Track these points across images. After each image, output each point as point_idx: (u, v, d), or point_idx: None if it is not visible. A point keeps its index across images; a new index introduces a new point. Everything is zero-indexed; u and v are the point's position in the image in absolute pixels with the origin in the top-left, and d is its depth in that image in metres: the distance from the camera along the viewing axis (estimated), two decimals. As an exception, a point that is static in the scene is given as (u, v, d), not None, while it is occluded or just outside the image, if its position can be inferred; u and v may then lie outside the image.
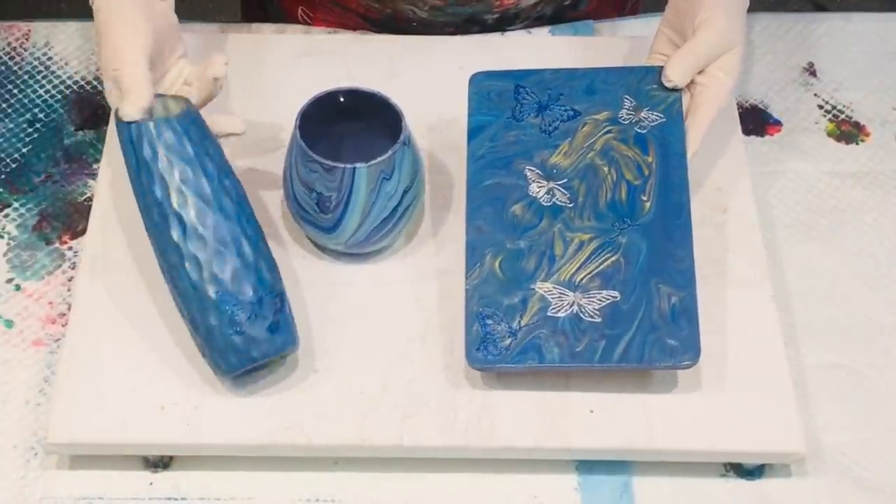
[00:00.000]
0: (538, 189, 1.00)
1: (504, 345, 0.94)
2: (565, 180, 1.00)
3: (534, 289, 0.96)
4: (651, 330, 0.93)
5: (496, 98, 1.05)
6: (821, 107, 1.18)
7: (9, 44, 1.20)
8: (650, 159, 1.01)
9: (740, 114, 1.14)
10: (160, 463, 0.96)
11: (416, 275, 1.03)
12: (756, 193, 1.08)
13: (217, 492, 0.95)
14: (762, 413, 0.95)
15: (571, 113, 1.04)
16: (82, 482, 0.95)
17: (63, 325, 1.02)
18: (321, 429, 0.94)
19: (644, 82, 1.04)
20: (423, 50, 1.17)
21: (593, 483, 0.96)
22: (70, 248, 1.07)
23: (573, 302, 0.95)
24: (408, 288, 1.02)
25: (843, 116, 1.18)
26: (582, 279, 0.96)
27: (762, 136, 1.16)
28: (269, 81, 1.14)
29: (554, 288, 0.95)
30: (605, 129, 1.03)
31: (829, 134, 1.16)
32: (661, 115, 1.03)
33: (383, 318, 1.00)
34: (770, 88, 1.19)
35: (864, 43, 1.23)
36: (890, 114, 1.18)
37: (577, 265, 0.96)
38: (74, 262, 1.06)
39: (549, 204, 0.99)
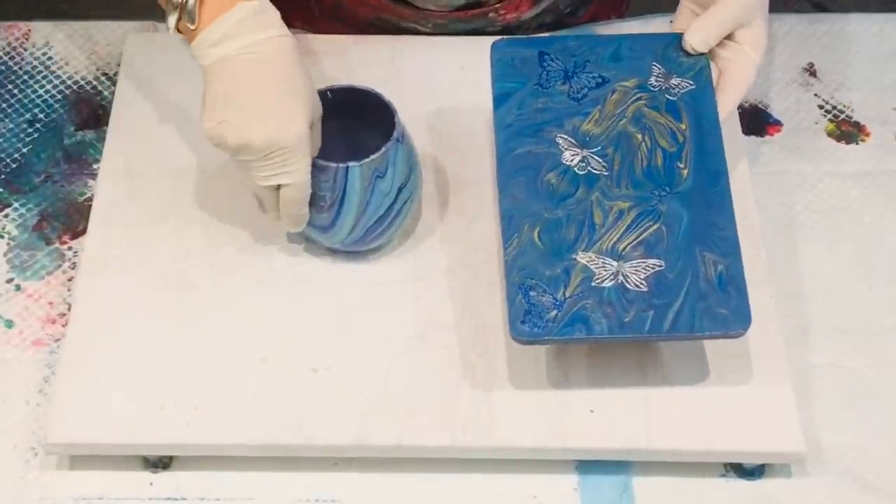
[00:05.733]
0: (572, 157, 0.98)
1: (549, 316, 0.91)
2: (599, 148, 0.99)
3: (575, 259, 0.94)
4: (699, 299, 0.92)
5: (520, 65, 1.03)
6: (821, 107, 1.18)
7: (9, 44, 1.20)
8: (683, 126, 1.00)
9: (740, 114, 1.14)
10: (160, 463, 0.96)
11: (415, 273, 1.02)
12: (756, 193, 1.08)
13: (217, 492, 0.95)
14: (762, 413, 0.95)
15: (599, 80, 1.02)
16: (82, 482, 0.95)
17: (63, 325, 1.02)
18: (321, 429, 0.94)
19: (671, 49, 1.03)
20: (423, 50, 1.17)
21: (593, 483, 0.96)
22: (70, 248, 1.07)
23: (617, 271, 0.93)
24: (407, 287, 1.02)
25: (843, 116, 1.18)
26: (624, 248, 0.94)
27: (762, 136, 1.16)
28: (269, 81, 1.14)
29: (596, 257, 0.94)
30: (635, 97, 1.01)
31: (829, 134, 1.17)
32: (691, 82, 1.02)
33: (383, 318, 1.00)
34: (770, 88, 1.19)
35: (863, 43, 1.23)
36: (890, 114, 1.18)
37: (619, 234, 0.95)
38: (74, 262, 1.06)
39: (583, 172, 0.98)
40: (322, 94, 0.99)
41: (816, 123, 1.17)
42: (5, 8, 1.37)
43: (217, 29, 0.93)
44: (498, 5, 1.16)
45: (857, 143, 1.16)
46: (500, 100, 1.02)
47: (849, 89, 1.19)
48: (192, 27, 0.93)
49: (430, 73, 1.15)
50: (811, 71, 1.21)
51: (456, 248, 1.03)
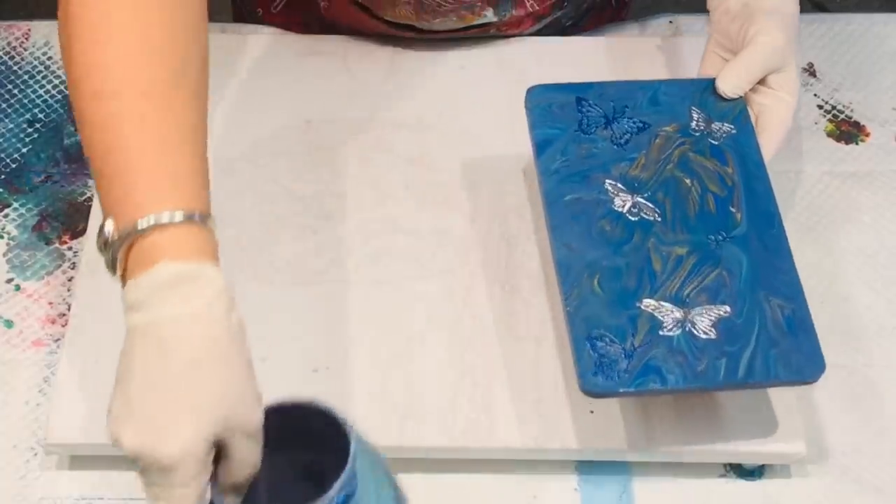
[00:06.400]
0: (622, 203, 0.96)
1: (621, 367, 0.88)
2: (648, 193, 0.97)
3: (640, 307, 0.91)
4: (771, 345, 0.90)
5: (558, 111, 1.01)
6: (820, 107, 1.18)
7: (9, 44, 1.20)
8: (730, 170, 0.98)
9: (740, 114, 1.14)
10: (160, 463, 0.96)
11: (415, 273, 1.02)
12: (756, 193, 1.08)
13: (217, 492, 0.95)
14: (762, 413, 0.95)
15: (641, 125, 1.01)
16: (82, 482, 0.95)
17: (63, 325, 1.02)
18: (321, 429, 0.94)
19: (707, 93, 1.02)
20: (423, 50, 1.17)
21: (593, 483, 0.96)
22: (70, 248, 1.07)
23: (684, 318, 0.91)
24: (408, 287, 1.02)
25: (842, 116, 1.18)
26: (688, 294, 0.92)
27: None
28: (269, 81, 1.14)
29: (661, 305, 0.91)
30: (678, 141, 1.00)
31: (829, 134, 1.17)
32: (732, 126, 1.01)
33: (383, 318, 1.00)
34: (770, 88, 1.19)
35: (863, 43, 1.23)
36: (890, 114, 1.18)
37: (680, 280, 0.93)
38: (74, 262, 1.06)
39: (636, 218, 0.96)
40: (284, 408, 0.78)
41: (816, 123, 1.17)
42: (5, 8, 1.37)
43: (132, 291, 0.74)
44: (501, 25, 1.16)
45: (857, 143, 1.16)
46: (542, 146, 1.00)
47: (849, 89, 1.19)
48: (113, 275, 0.76)
49: (430, 73, 1.15)
50: (811, 71, 1.21)
51: (455, 248, 1.03)
